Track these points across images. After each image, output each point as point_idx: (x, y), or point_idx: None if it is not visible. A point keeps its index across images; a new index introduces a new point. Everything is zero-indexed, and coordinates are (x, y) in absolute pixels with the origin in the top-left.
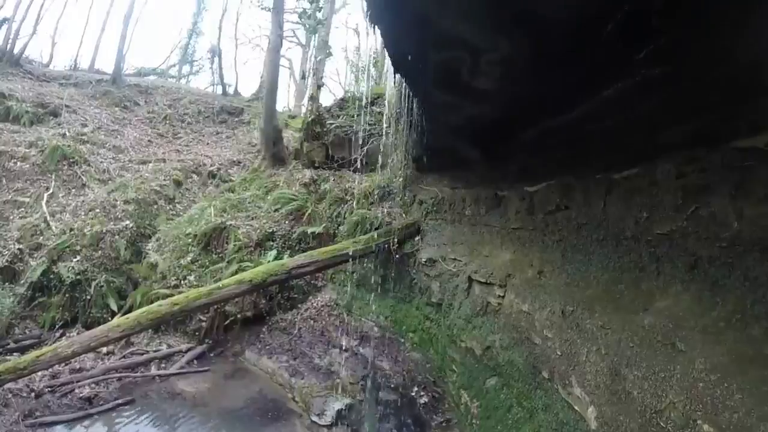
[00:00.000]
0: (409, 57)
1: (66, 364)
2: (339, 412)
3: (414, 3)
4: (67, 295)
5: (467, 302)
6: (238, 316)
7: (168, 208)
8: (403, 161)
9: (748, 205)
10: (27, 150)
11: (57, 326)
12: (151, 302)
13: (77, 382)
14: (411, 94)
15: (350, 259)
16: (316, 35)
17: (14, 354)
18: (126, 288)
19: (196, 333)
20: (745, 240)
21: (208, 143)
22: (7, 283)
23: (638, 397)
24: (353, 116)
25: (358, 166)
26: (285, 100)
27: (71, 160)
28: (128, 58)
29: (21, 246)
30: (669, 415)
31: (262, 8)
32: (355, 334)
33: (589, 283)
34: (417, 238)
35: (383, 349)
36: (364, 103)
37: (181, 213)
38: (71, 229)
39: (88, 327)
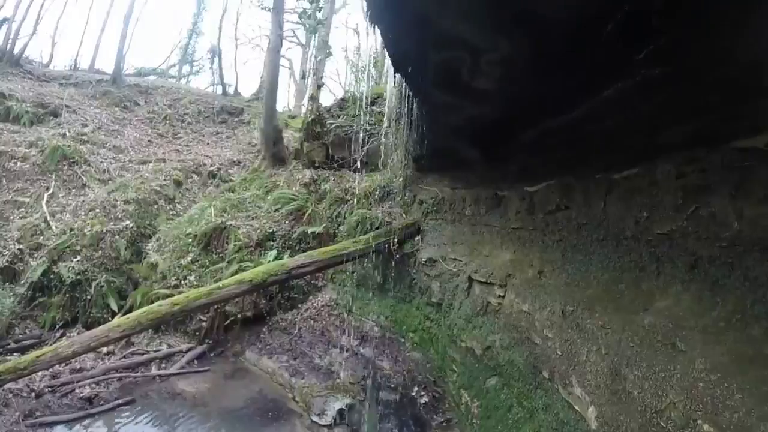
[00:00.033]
0: (409, 57)
1: (66, 364)
2: (339, 412)
3: (414, 3)
4: (67, 295)
5: (467, 302)
6: (239, 316)
7: (168, 208)
8: (403, 161)
9: (748, 205)
10: (27, 150)
11: (57, 326)
12: (152, 302)
13: (77, 382)
14: (411, 94)
15: (350, 259)
16: (316, 35)
17: (14, 354)
18: (126, 288)
19: (197, 333)
20: (745, 240)
21: (208, 143)
22: (7, 283)
23: (638, 397)
24: (353, 116)
25: (358, 166)
26: (285, 100)
27: (71, 160)
28: (128, 58)
29: (21, 246)
30: (669, 415)
31: (262, 8)
32: (355, 334)
33: (589, 283)
34: (417, 238)
35: (383, 349)
36: (364, 103)
37: (182, 213)
38: (71, 229)
39: (88, 327)
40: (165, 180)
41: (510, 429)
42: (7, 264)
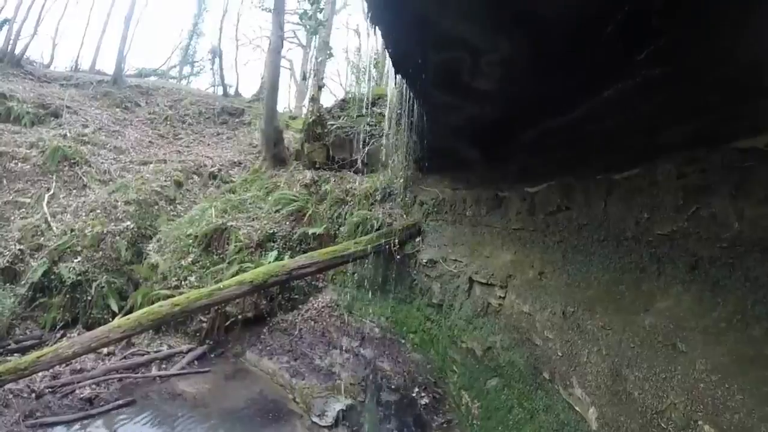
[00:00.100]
0: (410, 57)
1: (67, 365)
2: (340, 412)
3: (414, 3)
4: (67, 296)
5: (468, 303)
6: (239, 316)
7: (169, 209)
8: (404, 162)
9: (749, 206)
10: (28, 151)
11: (58, 327)
12: (152, 303)
13: (78, 382)
14: (411, 94)
15: (351, 260)
16: (317, 36)
17: (15, 354)
18: (127, 289)
19: (197, 334)
20: (746, 240)
21: (208, 144)
22: (7, 284)
23: (639, 398)
24: (354, 117)
25: (359, 167)
26: (286, 101)
27: (72, 161)
28: (129, 59)
29: (22, 246)
30: (670, 416)
31: (262, 9)
32: (355, 335)
33: (589, 284)
34: (418, 239)
35: (384, 350)
36: (365, 104)
37: (182, 214)
38: (72, 230)
39: (88, 328)
40: (166, 181)
41: (510, 430)
42: (7, 264)
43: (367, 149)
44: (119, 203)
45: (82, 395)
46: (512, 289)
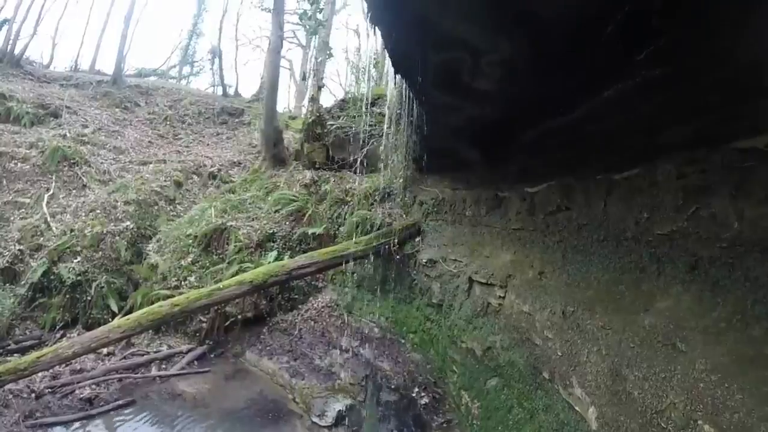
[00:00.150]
0: (410, 58)
1: (66, 365)
2: (340, 412)
3: (414, 4)
4: (67, 296)
5: (468, 303)
6: (239, 317)
7: (168, 209)
8: (404, 162)
9: (749, 206)
10: (27, 151)
11: (57, 327)
12: (152, 303)
13: (78, 383)
14: (411, 95)
15: (351, 260)
16: (317, 36)
17: (15, 355)
18: (126, 289)
19: (197, 334)
20: (746, 240)
21: (208, 144)
22: (7, 284)
23: (639, 398)
24: (354, 117)
25: (359, 167)
26: (285, 101)
27: (72, 161)
28: (129, 59)
29: (21, 247)
30: (670, 416)
31: (262, 9)
32: (355, 335)
33: (589, 284)
34: (417, 239)
35: (384, 350)
36: (364, 104)
37: (182, 214)
38: (72, 230)
39: (88, 328)
40: (165, 181)
41: (510, 430)
42: (7, 265)
43: (366, 149)
44: (119, 203)
45: (81, 395)
46: (512, 288)
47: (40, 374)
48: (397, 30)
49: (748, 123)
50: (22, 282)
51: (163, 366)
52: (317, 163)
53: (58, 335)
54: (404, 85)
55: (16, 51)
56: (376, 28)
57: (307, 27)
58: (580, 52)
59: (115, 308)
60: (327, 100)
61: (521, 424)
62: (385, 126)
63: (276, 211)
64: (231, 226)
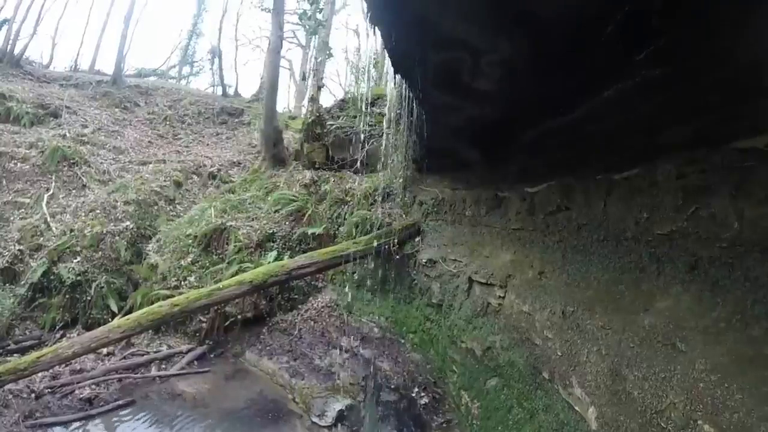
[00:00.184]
0: (409, 58)
1: (66, 365)
2: (339, 412)
3: (414, 4)
4: (67, 296)
5: (468, 303)
6: (239, 317)
7: (168, 209)
8: (404, 162)
9: (749, 206)
10: (27, 151)
11: (57, 327)
12: (152, 303)
13: (77, 383)
14: (411, 95)
15: (350, 260)
16: (317, 36)
17: (14, 355)
18: (126, 289)
19: (197, 334)
20: (746, 240)
21: (208, 144)
22: (7, 284)
23: (639, 398)
24: (353, 117)
25: (359, 167)
26: (285, 101)
27: (71, 161)
28: (128, 59)
29: (21, 247)
30: (669, 416)
31: (262, 9)
32: (355, 335)
33: (589, 284)
34: (417, 239)
35: (383, 350)
36: (364, 104)
37: (182, 214)
38: (71, 230)
39: (88, 328)
40: (165, 181)
41: (510, 430)
42: (7, 265)
43: (366, 149)
44: (118, 203)
45: (81, 395)
46: (512, 288)
47: (39, 374)
48: (397, 30)
49: (748, 123)
50: (22, 282)
51: (163, 366)
52: (317, 163)
53: (57, 335)
54: (404, 85)
55: (16, 51)
56: (376, 28)
57: (307, 27)
58: (580, 52)
59: (114, 308)
60: (327, 100)
61: (521, 424)
62: (385, 126)
63: (276, 211)
64: (231, 226)
